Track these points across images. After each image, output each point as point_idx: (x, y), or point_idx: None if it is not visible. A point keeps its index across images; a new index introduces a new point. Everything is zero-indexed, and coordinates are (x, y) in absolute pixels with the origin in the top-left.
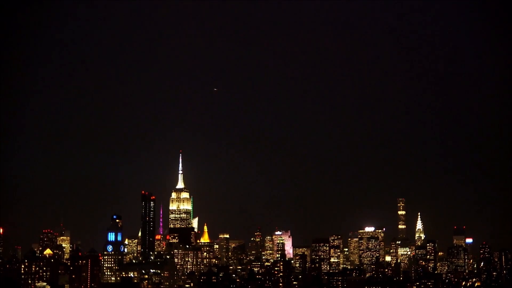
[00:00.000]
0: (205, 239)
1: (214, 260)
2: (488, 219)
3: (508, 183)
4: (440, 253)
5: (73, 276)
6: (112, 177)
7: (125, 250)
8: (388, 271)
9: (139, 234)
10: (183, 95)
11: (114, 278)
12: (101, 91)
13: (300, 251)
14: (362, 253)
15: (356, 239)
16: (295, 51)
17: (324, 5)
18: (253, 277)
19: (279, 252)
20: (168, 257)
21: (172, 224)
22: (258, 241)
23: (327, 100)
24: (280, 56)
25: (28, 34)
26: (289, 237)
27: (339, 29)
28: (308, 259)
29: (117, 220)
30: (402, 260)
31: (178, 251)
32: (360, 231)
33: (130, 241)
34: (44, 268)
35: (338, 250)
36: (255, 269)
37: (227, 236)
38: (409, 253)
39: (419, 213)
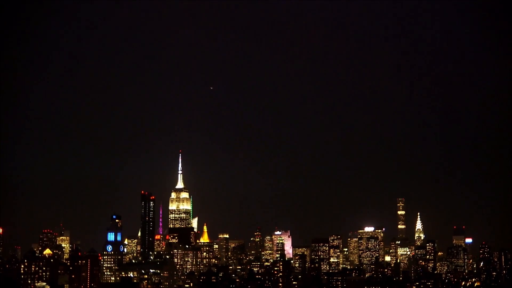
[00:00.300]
0: (204, 239)
1: (213, 260)
2: (488, 219)
3: (508, 183)
4: (439, 253)
5: (73, 276)
6: (112, 177)
7: (125, 250)
8: (387, 271)
9: (139, 234)
10: (183, 95)
11: (113, 278)
12: (101, 91)
13: (299, 251)
14: (361, 253)
15: (356, 239)
16: (295, 51)
17: (324, 4)
18: (252, 277)
19: (279, 252)
20: (167, 257)
21: (172, 224)
22: (257, 241)
23: (327, 100)
24: (280, 56)
25: (28, 34)
26: (288, 237)
27: (339, 28)
28: (308, 259)
29: (116, 220)
30: (402, 260)
31: (177, 251)
32: (360, 231)
33: (130, 241)
34: (44, 268)
35: (338, 250)
36: (255, 269)
37: (227, 236)
38: (408, 253)
39: (418, 213)
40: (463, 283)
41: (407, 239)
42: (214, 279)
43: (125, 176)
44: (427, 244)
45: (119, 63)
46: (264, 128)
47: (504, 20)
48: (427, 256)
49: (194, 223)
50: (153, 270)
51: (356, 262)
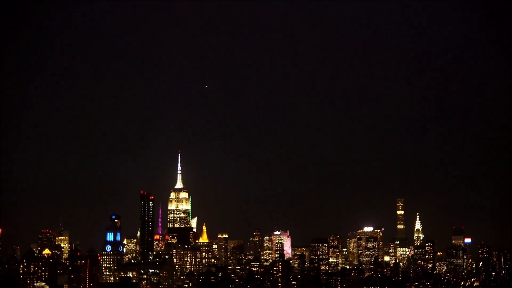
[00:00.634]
0: (204, 239)
1: (213, 260)
2: (487, 219)
3: (508, 183)
4: (439, 253)
5: (72, 276)
6: (111, 177)
7: (124, 250)
8: (387, 271)
9: (138, 234)
10: (182, 96)
11: (113, 278)
12: (101, 91)
13: (299, 251)
14: (361, 253)
15: (355, 239)
16: (295, 51)
17: (324, 4)
18: (252, 277)
19: (278, 252)
20: (167, 257)
21: (171, 224)
22: (257, 241)
23: (326, 100)
24: (280, 56)
25: (28, 34)
26: (288, 237)
27: (339, 28)
28: (307, 259)
29: (116, 220)
30: (401, 260)
31: (177, 251)
32: (359, 231)
33: (129, 241)
34: (43, 268)
35: (337, 250)
36: (254, 269)
37: (226, 236)
38: (408, 253)
39: (418, 213)
40: (462, 283)
41: (406, 239)
42: (213, 279)
43: (125, 176)
44: (426, 244)
45: (119, 63)
46: (264, 128)
47: (504, 20)
48: (426, 256)
49: (193, 223)
50: (152, 270)
51: (355, 262)
